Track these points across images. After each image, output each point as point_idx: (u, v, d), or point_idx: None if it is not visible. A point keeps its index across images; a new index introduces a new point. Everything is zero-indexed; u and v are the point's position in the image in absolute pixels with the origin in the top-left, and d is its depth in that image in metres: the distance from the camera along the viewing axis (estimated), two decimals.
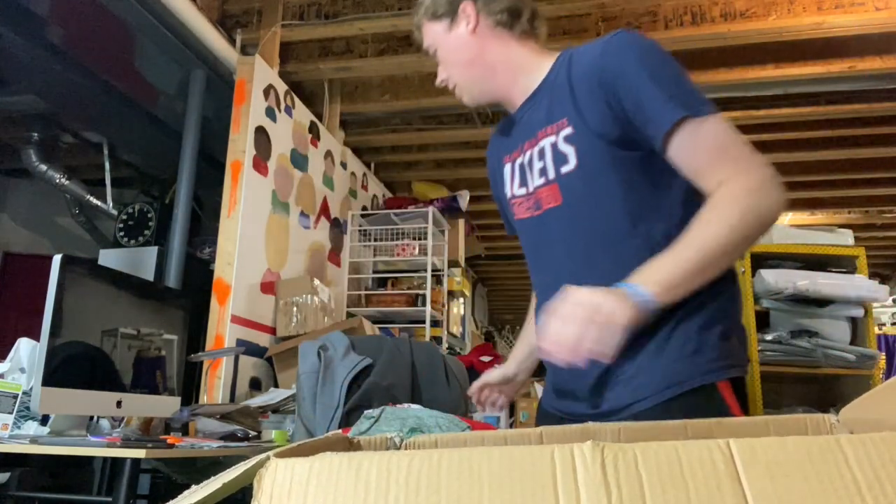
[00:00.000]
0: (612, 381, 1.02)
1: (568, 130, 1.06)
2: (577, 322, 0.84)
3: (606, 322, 0.83)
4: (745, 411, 0.98)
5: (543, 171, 1.10)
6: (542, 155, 1.10)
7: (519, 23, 1.16)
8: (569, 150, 1.05)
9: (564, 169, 1.06)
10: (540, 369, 1.30)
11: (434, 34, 1.19)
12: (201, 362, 2.94)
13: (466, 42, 1.15)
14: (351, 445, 0.73)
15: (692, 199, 1.00)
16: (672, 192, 1.03)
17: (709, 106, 0.95)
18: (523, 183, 1.16)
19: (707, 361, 0.97)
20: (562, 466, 0.43)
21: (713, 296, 0.99)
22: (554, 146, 1.08)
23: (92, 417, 1.95)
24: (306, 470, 0.45)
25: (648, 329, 0.95)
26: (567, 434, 0.75)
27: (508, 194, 1.21)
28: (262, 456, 0.48)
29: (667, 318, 0.97)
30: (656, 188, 1.03)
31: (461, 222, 5.31)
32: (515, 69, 1.16)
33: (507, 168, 1.21)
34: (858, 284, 2.43)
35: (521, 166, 1.16)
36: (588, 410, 1.05)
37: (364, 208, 4.83)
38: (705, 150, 0.95)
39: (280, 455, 0.48)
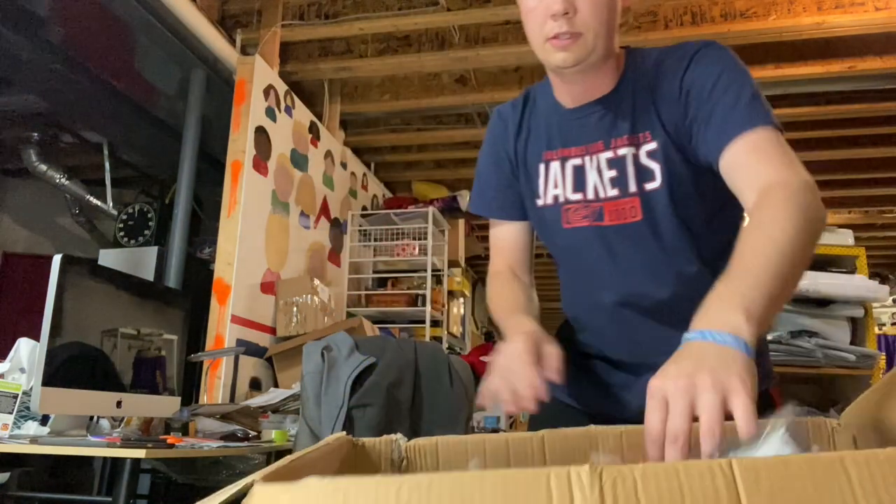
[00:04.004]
0: None
1: (652, 146, 1.01)
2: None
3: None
4: None
5: (620, 183, 1.03)
6: (617, 165, 1.03)
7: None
8: (654, 167, 1.00)
9: (649, 186, 1.01)
10: None
11: None
12: (201, 362, 2.94)
13: (617, 3, 0.99)
14: (355, 448, 0.72)
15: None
16: (731, 230, 1.02)
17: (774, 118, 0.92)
18: (580, 188, 1.06)
19: (762, 371, 0.98)
20: (558, 493, 0.41)
21: None
22: (636, 158, 1.02)
23: (92, 417, 1.95)
24: (289, 501, 0.43)
25: None
26: (569, 437, 0.75)
27: (552, 195, 1.10)
28: (247, 480, 0.46)
29: None
30: (725, 223, 1.05)
31: (461, 222, 5.31)
32: (614, 49, 1.02)
33: (554, 166, 1.09)
34: (858, 284, 2.43)
35: (579, 169, 1.06)
36: (636, 416, 1.07)
37: (364, 208, 4.83)
38: (778, 152, 0.89)
39: (267, 479, 0.46)
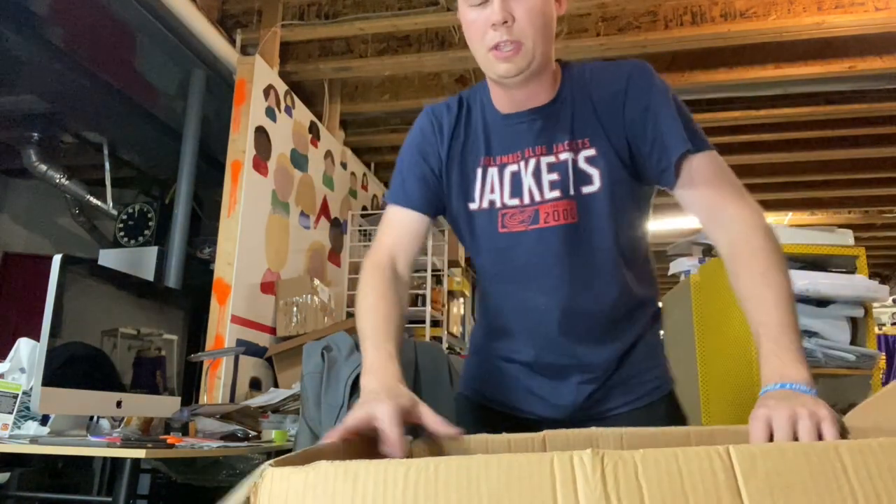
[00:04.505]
0: (609, 387, 1.13)
1: (590, 152, 1.06)
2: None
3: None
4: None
5: (561, 185, 1.07)
6: (559, 168, 1.07)
7: None
8: (592, 172, 1.06)
9: (587, 189, 1.06)
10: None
11: None
12: (201, 362, 2.94)
13: (552, 9, 1.03)
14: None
15: (647, 257, 1.17)
16: (644, 240, 1.17)
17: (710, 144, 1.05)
18: (517, 193, 1.10)
19: (667, 372, 1.18)
20: (561, 476, 0.42)
21: (657, 318, 1.19)
22: (574, 163, 1.07)
23: (92, 417, 1.95)
24: (302, 481, 0.44)
25: (630, 344, 1.13)
26: (570, 438, 0.75)
27: (488, 200, 1.12)
28: (263, 467, 0.47)
29: (640, 336, 1.15)
30: (642, 232, 1.15)
31: None
32: (552, 58, 1.08)
33: (492, 171, 1.12)
34: (858, 284, 2.43)
35: (516, 175, 1.10)
36: (564, 414, 1.13)
37: (364, 208, 4.83)
38: (727, 181, 1.01)
39: (279, 464, 0.47)
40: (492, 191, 1.11)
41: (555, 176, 1.07)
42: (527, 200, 1.09)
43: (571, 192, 1.06)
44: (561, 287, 1.09)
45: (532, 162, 1.08)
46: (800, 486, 0.43)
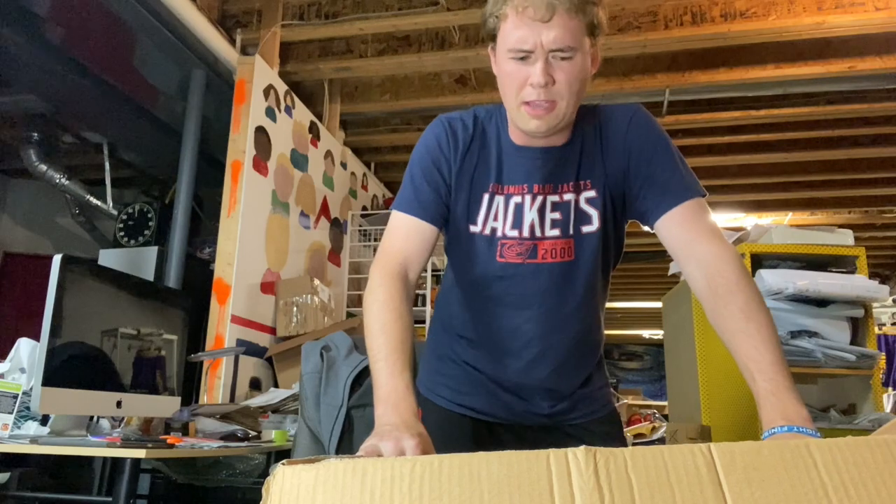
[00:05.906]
0: (573, 402, 1.23)
1: (591, 193, 1.12)
2: None
3: None
4: None
5: (561, 225, 1.11)
6: (562, 208, 1.11)
7: None
8: (592, 212, 1.12)
9: (586, 229, 1.12)
10: None
11: (579, 38, 1.00)
12: (201, 362, 2.94)
13: (588, 72, 1.05)
14: None
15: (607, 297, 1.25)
16: (609, 281, 1.23)
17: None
18: (517, 225, 1.12)
19: (606, 398, 1.29)
20: (557, 471, 0.45)
21: (602, 357, 1.29)
22: (576, 204, 1.11)
23: (92, 417, 1.95)
24: (312, 477, 0.47)
25: (590, 368, 1.23)
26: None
27: (490, 227, 1.14)
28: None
29: (596, 361, 1.25)
30: (611, 272, 1.21)
31: None
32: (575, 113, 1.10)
33: (498, 199, 1.13)
34: (858, 284, 2.43)
35: (519, 207, 1.12)
36: (530, 421, 1.22)
37: (364, 208, 4.83)
38: (706, 222, 1.05)
39: (290, 463, 0.49)
40: (495, 219, 1.14)
41: (557, 215, 1.12)
42: (526, 234, 1.12)
43: (571, 231, 1.12)
44: (548, 318, 1.15)
45: (539, 199, 1.12)
46: (775, 479, 0.46)
